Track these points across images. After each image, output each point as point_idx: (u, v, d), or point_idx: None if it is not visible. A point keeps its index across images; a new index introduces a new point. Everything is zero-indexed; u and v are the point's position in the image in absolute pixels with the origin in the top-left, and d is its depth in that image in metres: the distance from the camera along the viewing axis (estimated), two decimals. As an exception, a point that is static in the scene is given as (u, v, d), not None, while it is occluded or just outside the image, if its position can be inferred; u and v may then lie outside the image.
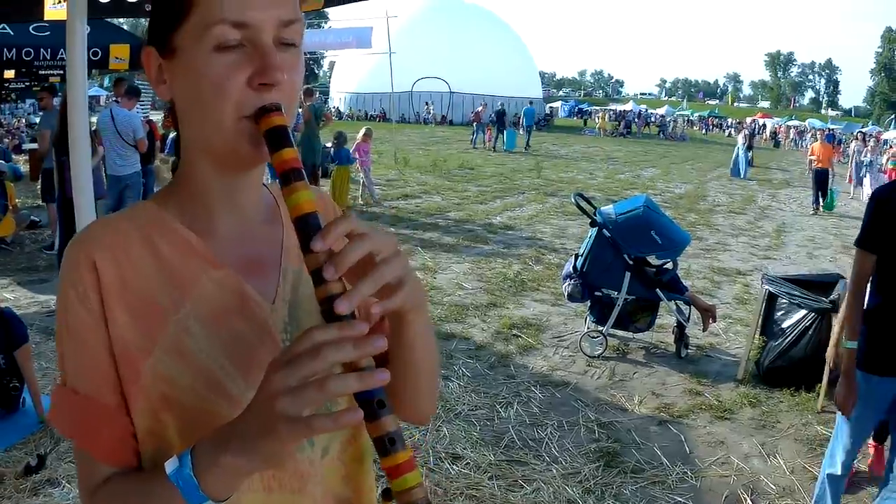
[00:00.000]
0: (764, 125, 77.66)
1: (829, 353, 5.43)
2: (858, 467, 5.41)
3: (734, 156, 31.53)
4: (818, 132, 24.91)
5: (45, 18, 4.00)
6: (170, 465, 1.09)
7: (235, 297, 1.28)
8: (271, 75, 1.15)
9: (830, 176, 21.18)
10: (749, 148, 32.00)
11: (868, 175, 25.85)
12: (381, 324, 1.22)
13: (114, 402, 1.22)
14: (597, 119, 64.22)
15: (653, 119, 72.12)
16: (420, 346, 1.28)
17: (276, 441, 1.02)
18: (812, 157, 21.71)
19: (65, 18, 3.78)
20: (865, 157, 26.84)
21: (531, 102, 53.11)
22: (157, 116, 21.05)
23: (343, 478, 1.38)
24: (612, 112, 77.90)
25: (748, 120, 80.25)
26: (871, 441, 5.48)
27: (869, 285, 4.11)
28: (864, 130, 44.28)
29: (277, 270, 1.35)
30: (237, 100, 1.16)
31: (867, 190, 24.91)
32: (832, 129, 43.66)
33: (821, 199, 21.01)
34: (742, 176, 30.22)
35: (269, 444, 1.02)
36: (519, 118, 45.17)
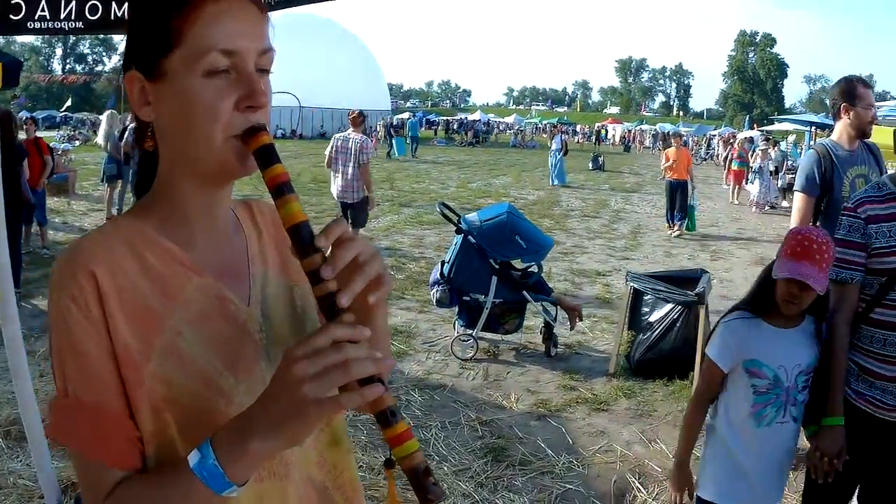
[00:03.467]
0: (607, 130, 79.56)
1: None
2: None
3: (550, 164, 30.22)
4: (673, 137, 21.41)
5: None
6: (193, 459, 1.18)
7: (217, 302, 1.39)
8: (258, 99, 1.30)
9: (690, 188, 17.84)
10: (565, 153, 30.51)
11: (758, 180, 23.95)
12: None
13: (120, 408, 1.28)
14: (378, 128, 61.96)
15: (472, 126, 71.56)
16: (382, 323, 1.47)
17: (305, 421, 1.15)
18: (666, 165, 18.11)
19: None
20: (755, 161, 24.74)
21: (413, 115, 54.16)
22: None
23: (316, 463, 1.50)
24: (459, 121, 78.74)
25: (596, 125, 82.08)
26: None
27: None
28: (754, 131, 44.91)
29: (247, 275, 1.48)
30: (226, 121, 1.28)
31: (753, 199, 23.96)
32: (685, 133, 44.09)
33: (678, 216, 17.64)
34: (559, 182, 29.23)
35: (297, 424, 1.15)
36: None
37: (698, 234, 17.53)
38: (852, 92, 5.30)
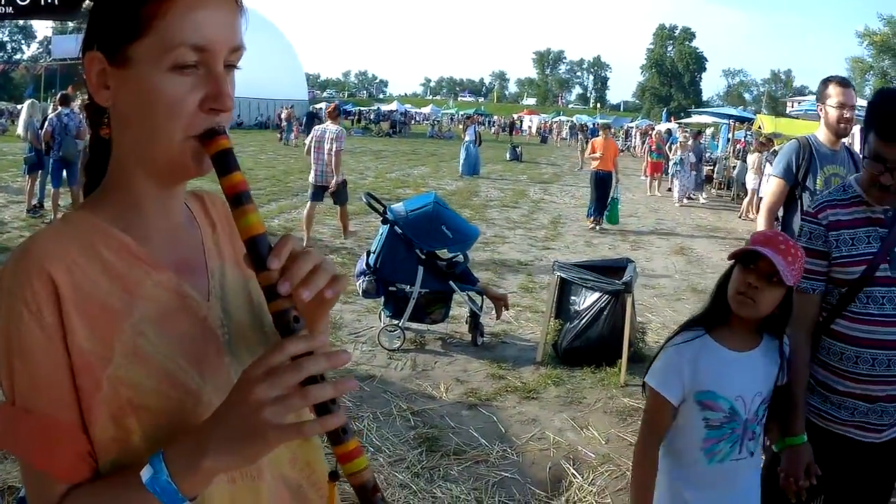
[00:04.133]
0: (523, 121, 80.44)
1: None
2: None
3: (462, 154, 29.40)
4: (601, 128, 20.38)
5: None
6: (145, 474, 1.14)
7: (177, 298, 1.33)
8: (223, 102, 1.25)
9: (614, 181, 17.38)
10: (479, 143, 30.15)
11: (678, 176, 23.65)
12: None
13: (71, 419, 1.21)
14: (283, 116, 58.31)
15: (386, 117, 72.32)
16: (327, 322, 1.47)
17: (264, 445, 1.13)
18: (593, 156, 17.61)
19: None
20: (675, 154, 24.22)
21: (342, 105, 54.60)
22: None
23: (289, 461, 1.46)
24: (375, 111, 78.82)
25: (515, 116, 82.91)
26: None
27: None
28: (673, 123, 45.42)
29: (204, 269, 1.43)
30: (187, 120, 1.24)
31: (676, 194, 23.68)
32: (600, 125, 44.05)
33: (598, 209, 17.25)
34: (472, 173, 28.72)
35: (255, 447, 1.13)
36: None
37: (618, 224, 17.59)
38: (823, 90, 5.32)
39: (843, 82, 5.32)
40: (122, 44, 1.24)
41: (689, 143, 24.82)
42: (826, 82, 5.34)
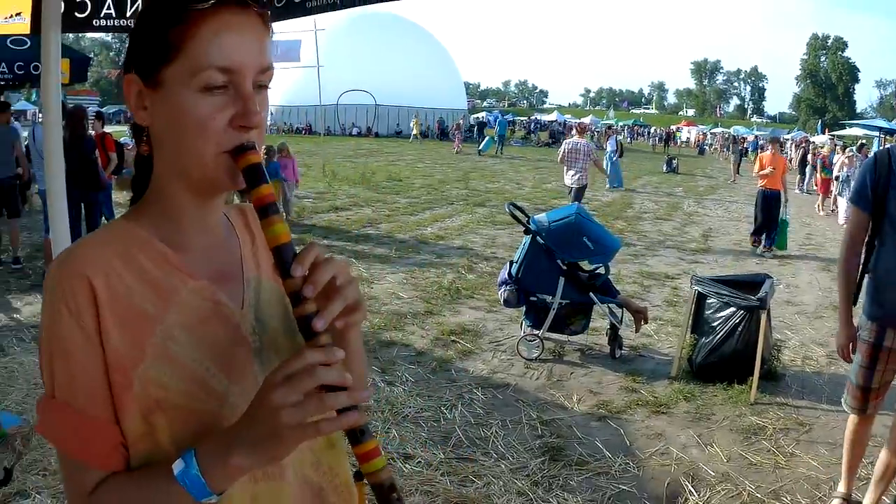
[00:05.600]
0: (679, 131, 79.42)
1: None
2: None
3: (607, 166, 26.75)
4: (770, 142, 17.88)
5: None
6: (177, 467, 1.25)
7: (211, 305, 1.43)
8: (251, 119, 1.33)
9: (783, 201, 15.46)
10: (621, 154, 29.57)
11: (843, 194, 20.84)
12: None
13: (106, 415, 1.32)
14: (412, 126, 58.45)
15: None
16: (356, 346, 1.51)
17: (283, 445, 1.23)
18: (762, 172, 15.57)
19: (20, 33, 3.86)
20: (842, 171, 22.03)
21: (503, 114, 56.10)
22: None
23: (312, 464, 1.54)
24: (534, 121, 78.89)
25: (673, 128, 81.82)
26: None
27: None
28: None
29: (241, 279, 1.52)
30: (218, 137, 1.32)
31: (842, 214, 20.24)
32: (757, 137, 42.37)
33: (765, 232, 15.56)
34: (616, 185, 27.79)
35: (276, 447, 1.23)
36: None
37: (786, 249, 15.93)
38: None
39: None
40: (155, 67, 1.34)
41: (855, 159, 23.47)
42: None
